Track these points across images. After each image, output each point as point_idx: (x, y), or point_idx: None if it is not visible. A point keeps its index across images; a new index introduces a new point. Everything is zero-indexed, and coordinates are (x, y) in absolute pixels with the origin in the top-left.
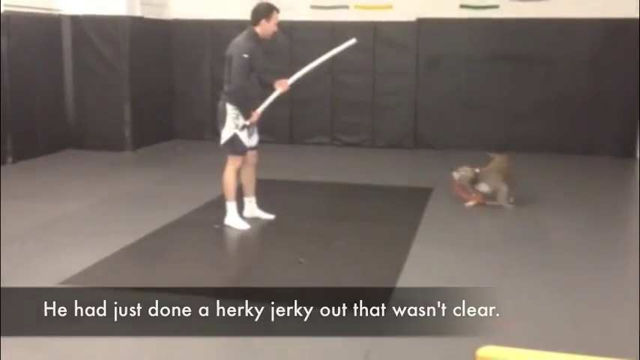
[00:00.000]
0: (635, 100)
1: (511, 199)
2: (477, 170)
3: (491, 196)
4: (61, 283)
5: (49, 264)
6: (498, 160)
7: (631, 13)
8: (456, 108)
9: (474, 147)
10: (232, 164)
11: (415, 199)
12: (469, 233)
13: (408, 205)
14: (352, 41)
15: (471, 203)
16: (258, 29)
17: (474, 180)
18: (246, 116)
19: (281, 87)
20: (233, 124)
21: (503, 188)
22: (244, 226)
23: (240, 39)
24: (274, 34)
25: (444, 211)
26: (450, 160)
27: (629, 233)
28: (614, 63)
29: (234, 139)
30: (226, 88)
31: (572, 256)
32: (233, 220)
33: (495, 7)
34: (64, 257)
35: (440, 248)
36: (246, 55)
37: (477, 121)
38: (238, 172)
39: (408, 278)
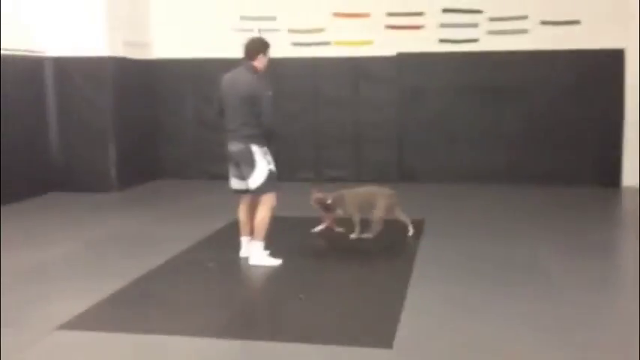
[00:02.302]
0: (617, 130)
1: (367, 234)
2: (329, 201)
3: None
4: (56, 329)
5: (41, 311)
6: (363, 191)
7: (610, 44)
8: (440, 140)
9: (458, 179)
10: (271, 202)
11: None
12: (464, 266)
13: (401, 238)
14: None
15: (318, 228)
16: (256, 63)
17: (328, 206)
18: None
19: None
20: (265, 162)
21: (356, 218)
22: (277, 261)
23: (247, 77)
24: (268, 68)
25: (439, 242)
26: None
27: (623, 264)
28: (595, 93)
29: (272, 176)
30: (248, 129)
31: (570, 290)
32: (265, 259)
33: (475, 40)
34: (56, 304)
35: (439, 282)
36: (271, 93)
37: (459, 153)
38: (246, 211)
39: (410, 316)
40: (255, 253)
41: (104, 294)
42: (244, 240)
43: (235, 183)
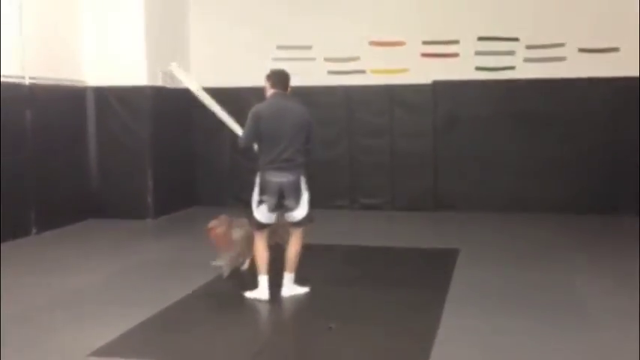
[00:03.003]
0: None
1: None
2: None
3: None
4: (89, 355)
5: (74, 336)
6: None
7: None
8: (475, 168)
9: (494, 207)
10: (305, 233)
11: (442, 261)
12: (503, 296)
13: (435, 268)
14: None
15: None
16: (288, 93)
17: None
18: None
19: None
20: (307, 194)
21: (237, 250)
22: (305, 289)
23: (298, 105)
24: None
25: (473, 272)
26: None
27: None
28: (633, 121)
29: (310, 208)
30: (300, 157)
31: (610, 319)
32: (297, 289)
33: (511, 68)
34: (89, 329)
35: (473, 314)
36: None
37: (495, 181)
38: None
39: (442, 350)
40: (291, 285)
41: (136, 321)
42: (287, 277)
43: (268, 217)
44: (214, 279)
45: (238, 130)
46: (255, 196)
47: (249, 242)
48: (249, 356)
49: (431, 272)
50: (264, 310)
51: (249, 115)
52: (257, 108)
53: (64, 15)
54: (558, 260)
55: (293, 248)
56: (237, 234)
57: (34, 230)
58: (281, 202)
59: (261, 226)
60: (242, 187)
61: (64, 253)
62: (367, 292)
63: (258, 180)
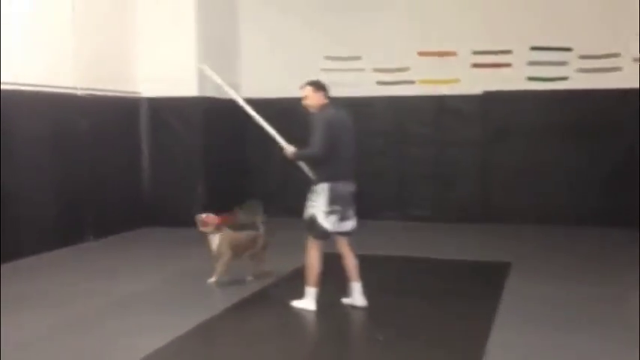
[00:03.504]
0: None
1: (249, 277)
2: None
3: (216, 258)
4: None
5: (126, 343)
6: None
7: None
8: (526, 180)
9: (545, 220)
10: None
11: (493, 274)
12: (554, 311)
13: (486, 281)
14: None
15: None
16: None
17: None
18: None
19: None
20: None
21: (224, 259)
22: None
23: (345, 114)
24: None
25: (524, 286)
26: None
27: None
28: None
29: None
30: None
31: None
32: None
33: (564, 78)
34: (138, 337)
35: (524, 329)
36: None
37: (546, 193)
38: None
39: None
40: (360, 295)
41: (186, 328)
42: (356, 286)
43: (337, 226)
44: (265, 287)
45: (281, 140)
46: (324, 207)
47: (233, 249)
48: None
49: (481, 285)
50: (311, 320)
51: (323, 125)
52: (328, 117)
53: (118, 27)
54: (612, 274)
55: (352, 258)
56: (217, 240)
57: (90, 237)
58: (346, 211)
59: (326, 236)
60: (293, 197)
61: (118, 260)
62: (416, 304)
63: (327, 190)
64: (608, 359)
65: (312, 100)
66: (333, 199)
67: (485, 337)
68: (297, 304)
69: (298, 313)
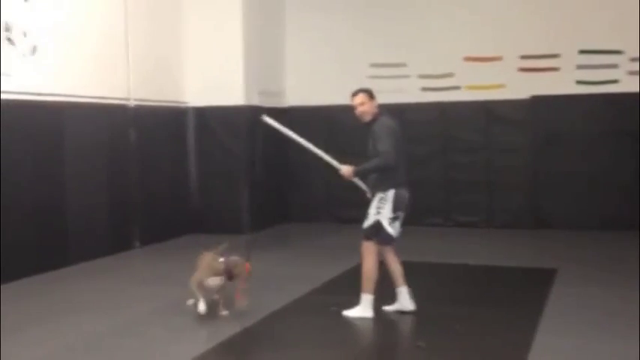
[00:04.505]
0: None
1: (224, 311)
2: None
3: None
4: None
5: (172, 346)
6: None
7: None
8: (576, 185)
9: (595, 226)
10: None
11: (539, 281)
12: (600, 318)
13: (532, 287)
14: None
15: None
16: None
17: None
18: None
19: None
20: None
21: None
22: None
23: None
24: (357, 115)
25: (571, 293)
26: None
27: None
28: None
29: None
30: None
31: None
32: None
33: (615, 81)
34: (177, 344)
35: (568, 335)
36: None
37: (596, 199)
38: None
39: None
40: (409, 298)
41: (232, 331)
42: (404, 290)
43: (399, 232)
44: (310, 292)
45: (334, 163)
46: (389, 213)
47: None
48: None
49: (527, 292)
50: (354, 327)
51: (387, 132)
52: (389, 124)
53: (167, 39)
54: None
55: (397, 263)
56: (212, 282)
57: (137, 244)
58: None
59: (391, 242)
60: (336, 204)
61: (164, 266)
62: (460, 310)
63: (392, 196)
64: None
65: (368, 107)
66: (397, 206)
67: (529, 342)
68: (351, 313)
69: (341, 319)
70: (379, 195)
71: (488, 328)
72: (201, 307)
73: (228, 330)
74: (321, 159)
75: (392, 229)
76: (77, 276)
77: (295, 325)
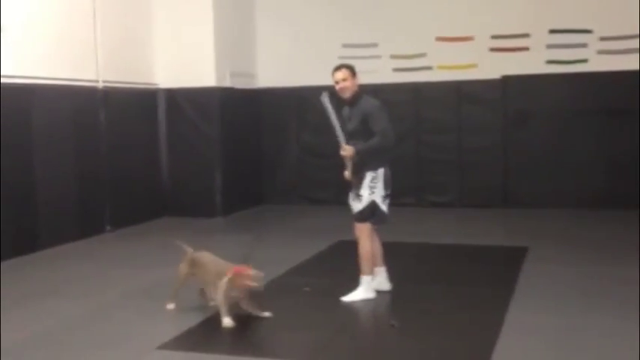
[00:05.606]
0: None
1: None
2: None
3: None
4: (158, 348)
5: (144, 330)
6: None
7: None
8: (546, 164)
9: (565, 204)
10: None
11: (510, 259)
12: (571, 296)
13: (503, 266)
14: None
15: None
16: None
17: None
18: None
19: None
20: None
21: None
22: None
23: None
24: (338, 91)
25: (541, 270)
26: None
27: None
28: None
29: None
30: None
31: None
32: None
33: (584, 61)
34: (157, 325)
35: (539, 312)
36: None
37: (568, 178)
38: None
39: (505, 346)
40: (386, 279)
41: (203, 316)
42: (382, 270)
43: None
44: (284, 274)
45: (342, 138)
46: (381, 191)
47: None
48: (309, 352)
49: (498, 270)
50: (327, 307)
51: (383, 110)
52: (377, 102)
53: (136, 19)
54: (629, 257)
55: (378, 242)
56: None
57: (108, 227)
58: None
59: (386, 221)
60: (309, 186)
61: (135, 250)
62: (432, 289)
63: (382, 175)
64: (626, 340)
65: (350, 83)
66: (387, 183)
67: (501, 320)
68: (352, 297)
69: (314, 300)
70: (370, 174)
71: (461, 306)
72: (229, 321)
73: (200, 314)
74: (288, 140)
75: (385, 207)
76: (48, 260)
77: (268, 307)
